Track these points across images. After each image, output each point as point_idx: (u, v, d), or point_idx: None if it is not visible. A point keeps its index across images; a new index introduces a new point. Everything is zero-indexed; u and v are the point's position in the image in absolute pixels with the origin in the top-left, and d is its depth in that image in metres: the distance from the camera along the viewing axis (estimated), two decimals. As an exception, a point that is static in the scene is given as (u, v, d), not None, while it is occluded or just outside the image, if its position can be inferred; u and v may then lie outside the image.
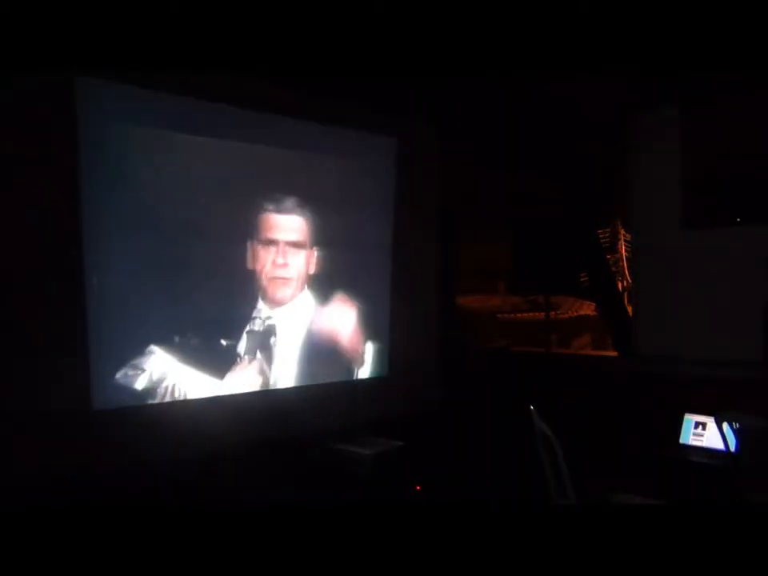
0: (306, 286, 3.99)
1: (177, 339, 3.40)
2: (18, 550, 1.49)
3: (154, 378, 3.32)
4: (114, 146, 3.16)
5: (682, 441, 3.69)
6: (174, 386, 3.39)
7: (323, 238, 4.05)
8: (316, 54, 2.90)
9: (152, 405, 3.33)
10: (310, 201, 3.97)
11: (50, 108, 2.97)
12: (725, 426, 2.95)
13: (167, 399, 3.37)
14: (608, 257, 7.03)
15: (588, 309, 7.46)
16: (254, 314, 3.72)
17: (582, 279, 6.84)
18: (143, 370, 3.29)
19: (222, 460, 3.31)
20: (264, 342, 3.76)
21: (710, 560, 1.46)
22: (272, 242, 3.79)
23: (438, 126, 4.74)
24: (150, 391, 3.32)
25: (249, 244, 3.70)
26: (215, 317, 3.57)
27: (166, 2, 2.34)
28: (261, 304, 3.76)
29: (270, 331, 3.78)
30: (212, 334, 3.56)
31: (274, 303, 3.81)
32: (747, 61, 2.81)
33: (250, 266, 3.70)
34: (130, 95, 3.18)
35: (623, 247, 7.28)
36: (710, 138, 4.29)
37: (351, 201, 4.27)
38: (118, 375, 3.21)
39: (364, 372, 4.39)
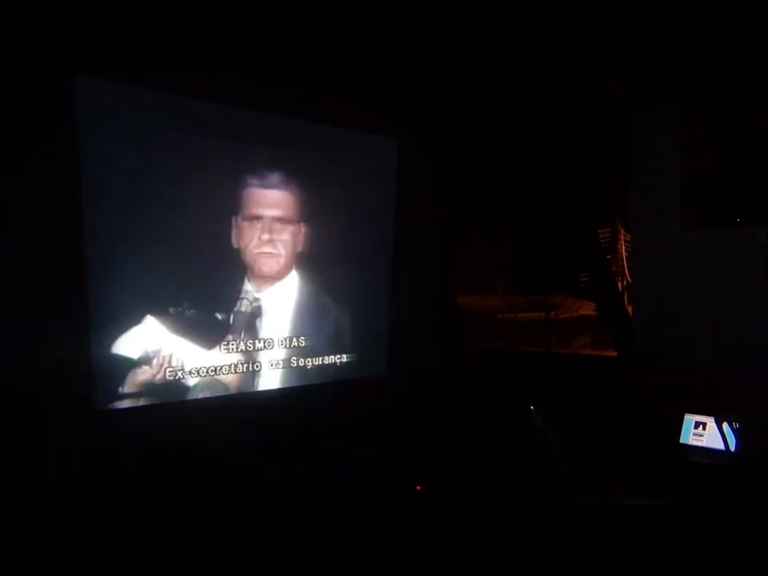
0: (294, 267, 3.98)
1: (171, 311, 3.44)
2: (18, 550, 1.49)
3: (149, 350, 3.36)
4: (113, 144, 3.16)
5: (682, 441, 3.68)
6: (169, 358, 3.42)
7: (324, 235, 4.08)
8: (317, 54, 2.89)
9: (152, 405, 3.33)
10: (311, 198, 3.99)
11: (50, 108, 2.96)
12: (725, 426, 2.95)
13: (163, 369, 3.40)
14: (608, 257, 7.02)
15: (588, 309, 7.44)
16: (241, 294, 3.71)
17: (581, 279, 6.84)
18: (140, 346, 3.33)
19: (221, 460, 3.31)
20: (250, 323, 3.75)
21: (710, 560, 1.46)
22: (258, 218, 3.79)
23: (439, 126, 4.74)
24: (146, 361, 3.35)
25: (234, 220, 3.70)
26: (203, 296, 3.58)
27: (166, 2, 2.34)
28: (248, 284, 3.75)
29: (256, 312, 3.76)
30: (199, 314, 3.56)
31: (261, 281, 3.80)
32: (747, 61, 2.81)
33: (235, 243, 3.70)
34: (130, 95, 3.19)
35: (623, 247, 7.27)
36: (710, 138, 4.29)
37: (350, 200, 4.27)
38: (119, 366, 3.24)
39: (362, 371, 4.38)
